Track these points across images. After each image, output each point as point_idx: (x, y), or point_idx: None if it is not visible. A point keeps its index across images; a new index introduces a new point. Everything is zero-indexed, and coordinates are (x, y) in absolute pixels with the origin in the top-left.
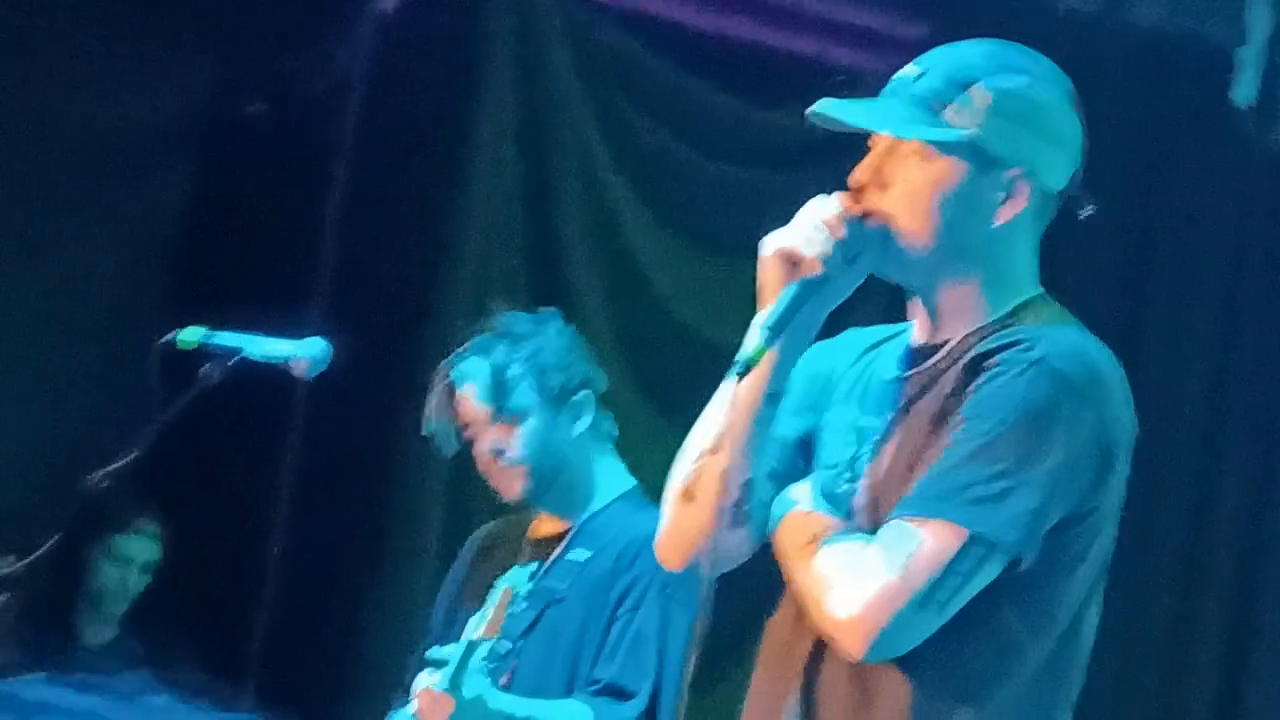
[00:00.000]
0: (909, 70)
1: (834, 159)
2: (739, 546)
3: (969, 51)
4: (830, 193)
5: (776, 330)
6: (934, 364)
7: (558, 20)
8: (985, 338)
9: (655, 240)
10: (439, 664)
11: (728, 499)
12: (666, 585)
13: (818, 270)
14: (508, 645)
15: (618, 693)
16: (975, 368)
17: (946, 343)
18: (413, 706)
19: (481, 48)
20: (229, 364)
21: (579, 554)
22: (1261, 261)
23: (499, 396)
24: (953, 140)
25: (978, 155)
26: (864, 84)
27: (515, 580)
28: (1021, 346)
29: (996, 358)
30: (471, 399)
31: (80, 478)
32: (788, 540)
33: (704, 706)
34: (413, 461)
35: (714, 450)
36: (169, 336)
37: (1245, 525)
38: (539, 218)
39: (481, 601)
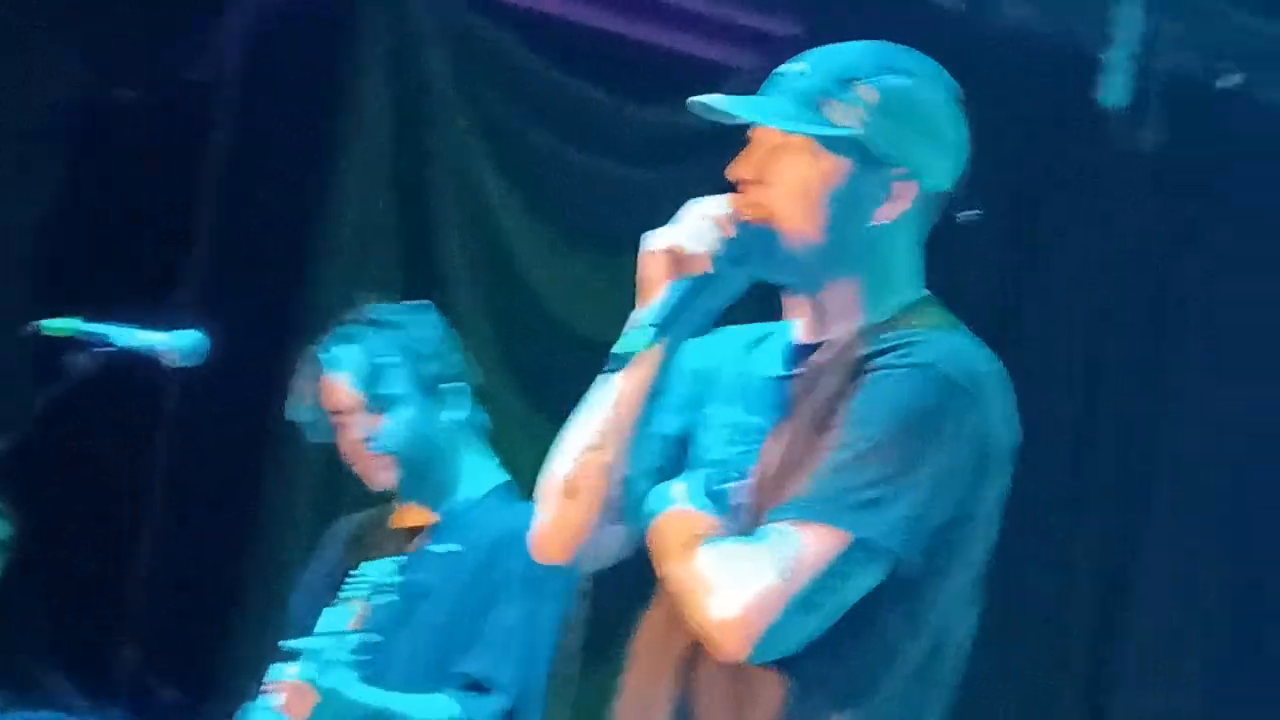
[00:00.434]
0: (793, 67)
1: (708, 155)
2: (617, 543)
3: (854, 50)
4: (705, 188)
5: (662, 327)
6: (817, 364)
7: (433, 13)
8: (869, 339)
9: (529, 234)
10: (301, 655)
11: (607, 495)
12: (535, 579)
13: (706, 268)
14: (374, 638)
15: (484, 686)
16: (859, 370)
17: (829, 343)
18: (276, 698)
19: (357, 38)
20: (99, 353)
21: (447, 546)
22: (1130, 262)
23: (371, 384)
24: (839, 137)
25: (862, 154)
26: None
27: (379, 569)
28: (905, 350)
29: (880, 361)
30: (343, 386)
31: None
32: (667, 539)
33: (576, 699)
34: (284, 452)
35: (591, 446)
36: (38, 325)
37: (1116, 527)
38: (413, 210)
39: (344, 592)
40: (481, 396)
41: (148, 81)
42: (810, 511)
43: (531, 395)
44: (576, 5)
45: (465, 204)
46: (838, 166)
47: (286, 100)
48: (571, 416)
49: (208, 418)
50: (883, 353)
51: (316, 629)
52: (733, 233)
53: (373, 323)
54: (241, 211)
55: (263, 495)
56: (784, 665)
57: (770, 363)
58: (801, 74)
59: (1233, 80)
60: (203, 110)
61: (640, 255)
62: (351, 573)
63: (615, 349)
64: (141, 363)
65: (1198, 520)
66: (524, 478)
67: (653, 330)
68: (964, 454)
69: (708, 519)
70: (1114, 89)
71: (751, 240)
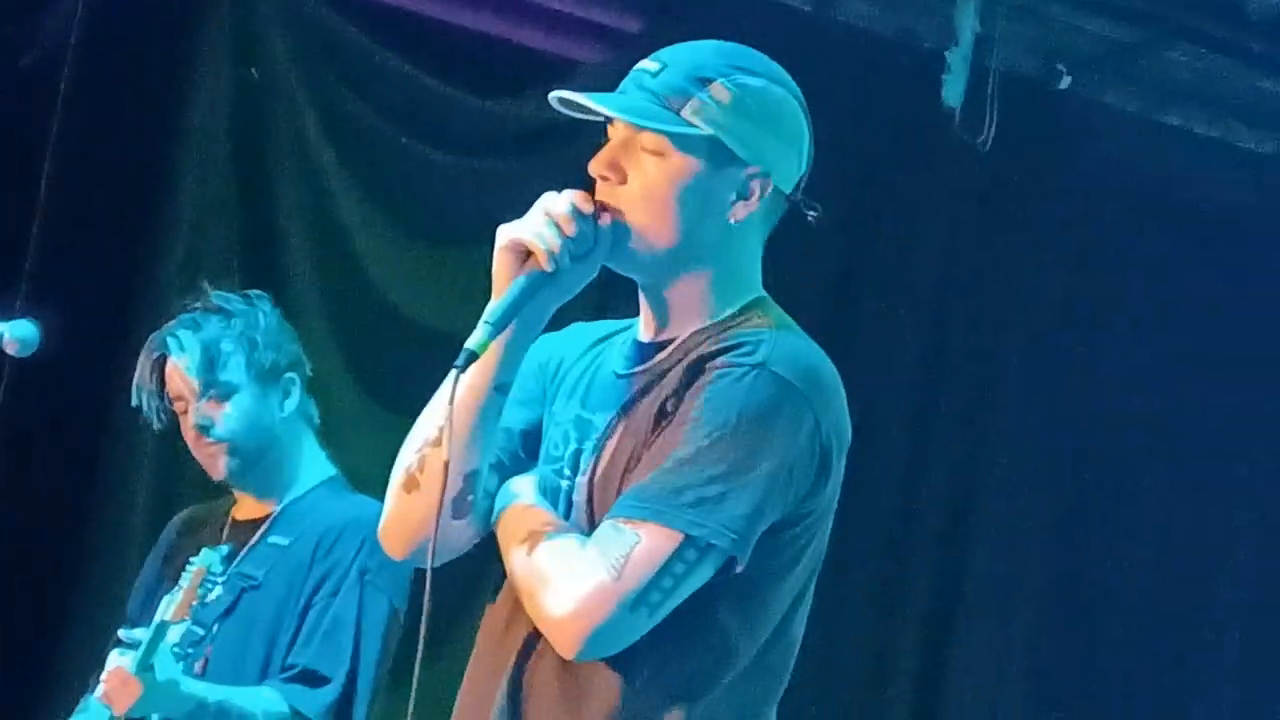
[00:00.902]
0: (647, 65)
1: (551, 148)
2: (462, 537)
3: (707, 50)
4: (547, 181)
5: (500, 324)
6: (658, 362)
7: (276, 2)
8: (709, 339)
9: (369, 225)
10: (131, 645)
11: (451, 490)
12: (365, 571)
13: (546, 265)
14: (201, 631)
15: (312, 678)
16: (698, 369)
17: (671, 341)
18: (101, 688)
19: (197, 26)
20: None
21: (278, 539)
22: (970, 262)
23: (209, 370)
24: (695, 136)
25: (716, 153)
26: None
27: (207, 561)
28: (744, 350)
29: (719, 360)
30: (181, 372)
31: None
32: (507, 534)
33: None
34: (121, 442)
35: (437, 440)
36: None
37: (946, 525)
38: (253, 201)
39: (178, 582)
40: (318, 387)
41: None
42: (643, 510)
43: (370, 387)
44: None
45: (305, 193)
46: (690, 164)
47: (126, 87)
48: (419, 410)
49: (45, 406)
50: (720, 353)
51: (152, 619)
52: (573, 230)
53: (212, 310)
54: (79, 199)
55: (102, 483)
56: (619, 661)
57: (615, 360)
58: (656, 72)
59: (1066, 81)
60: (40, 97)
61: (494, 251)
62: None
63: (465, 345)
64: None
65: (1031, 517)
66: (359, 470)
67: (489, 327)
68: (800, 454)
69: (546, 515)
70: (953, 88)
71: (595, 237)
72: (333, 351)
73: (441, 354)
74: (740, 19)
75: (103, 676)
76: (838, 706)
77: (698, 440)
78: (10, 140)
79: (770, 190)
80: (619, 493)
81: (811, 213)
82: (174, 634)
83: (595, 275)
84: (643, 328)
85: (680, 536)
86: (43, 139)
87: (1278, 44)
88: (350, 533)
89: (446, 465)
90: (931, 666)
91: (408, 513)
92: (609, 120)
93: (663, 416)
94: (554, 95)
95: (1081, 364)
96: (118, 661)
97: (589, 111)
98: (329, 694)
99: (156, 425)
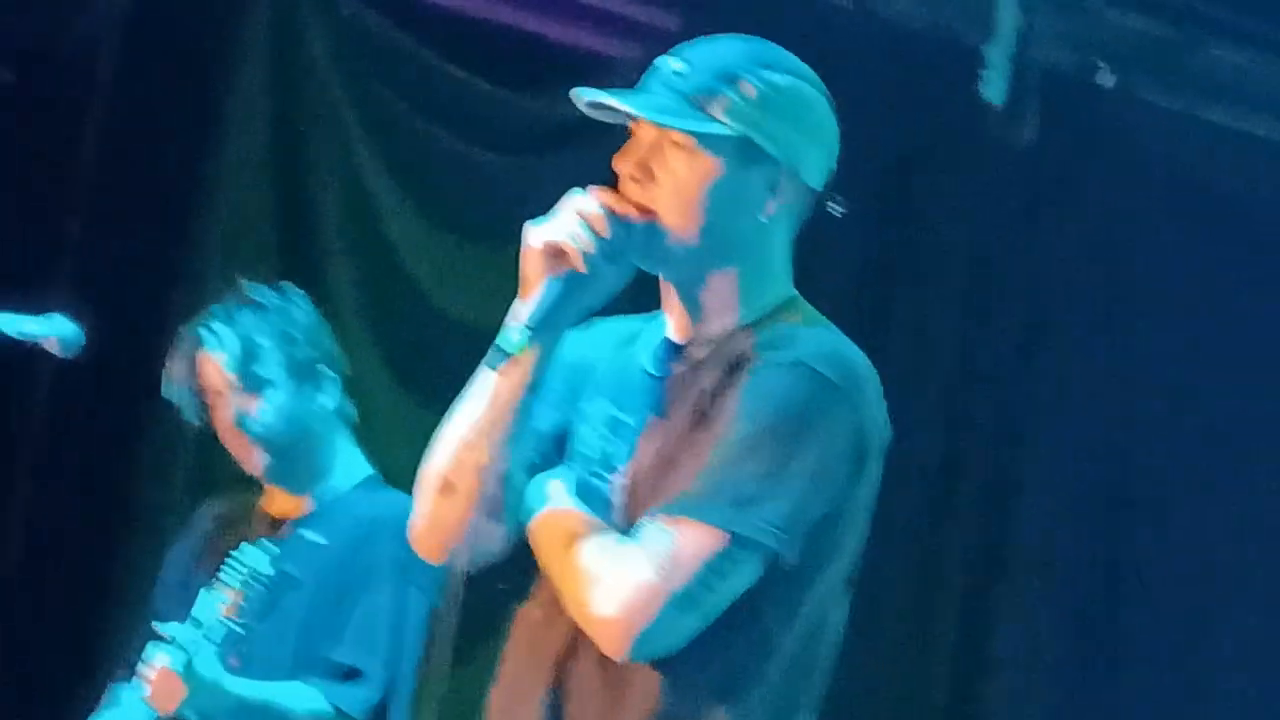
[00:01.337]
0: (673, 64)
1: (587, 145)
2: (495, 539)
3: (733, 47)
4: (583, 177)
5: (538, 327)
6: (692, 361)
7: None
8: (744, 338)
9: (410, 224)
10: (171, 641)
11: (486, 493)
12: (403, 567)
13: (581, 267)
14: (238, 626)
15: (350, 673)
16: (735, 367)
17: (705, 340)
18: (144, 685)
19: (236, 22)
20: None
21: (314, 536)
22: (1010, 259)
23: (245, 364)
24: (722, 134)
25: (745, 150)
26: (616, 71)
27: (255, 560)
28: (780, 348)
29: (756, 358)
30: (217, 365)
31: None
32: (546, 536)
33: (450, 689)
34: (159, 437)
35: (470, 442)
36: None
37: (983, 522)
38: (291, 197)
39: (214, 575)
40: (355, 384)
41: (20, 62)
42: (688, 509)
43: (407, 383)
44: None
45: (343, 190)
46: (718, 163)
47: (164, 82)
48: (450, 408)
49: (84, 403)
50: (757, 351)
51: (191, 615)
52: (606, 229)
53: (248, 303)
54: (119, 197)
55: (140, 478)
56: (660, 660)
57: (647, 359)
58: (682, 70)
59: (1108, 78)
60: (78, 92)
61: (522, 250)
62: (227, 557)
63: (495, 344)
64: (17, 349)
65: (1069, 514)
66: (397, 466)
67: (528, 331)
68: (838, 450)
69: (585, 516)
70: (993, 85)
71: (628, 236)
72: (370, 348)
73: (479, 349)
74: (780, 15)
75: (145, 674)
76: (878, 696)
77: (738, 438)
78: (50, 138)
79: (799, 187)
80: (657, 491)
81: (837, 209)
82: (215, 631)
83: (629, 277)
84: (674, 327)
85: (725, 535)
86: (82, 137)
87: None
88: (385, 529)
89: (479, 468)
90: (969, 665)
91: (442, 515)
92: (633, 118)
93: (700, 416)
94: (576, 92)
95: (1121, 362)
96: (160, 660)
97: (613, 111)
98: (370, 691)
99: (191, 419)
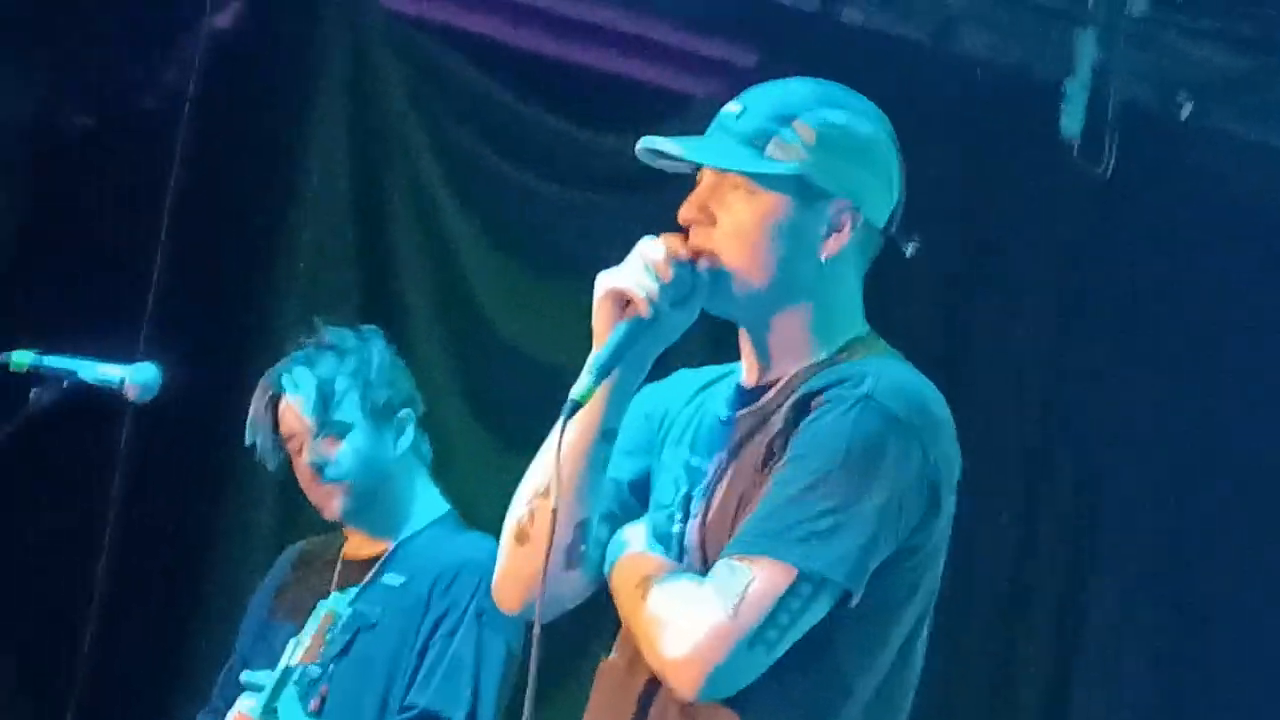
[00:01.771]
0: (731, 107)
1: (667, 183)
2: (575, 588)
3: (789, 88)
4: (664, 217)
5: (604, 371)
6: (763, 404)
7: (392, 41)
8: (813, 375)
9: (487, 262)
10: (255, 688)
11: (561, 541)
12: (482, 612)
13: (645, 312)
14: (318, 670)
15: (433, 718)
16: (804, 405)
17: (775, 382)
18: None
19: (316, 66)
20: (61, 387)
21: (393, 578)
22: (1089, 293)
23: (324, 409)
24: (779, 174)
25: (803, 189)
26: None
27: (335, 605)
28: (849, 383)
29: (825, 395)
30: (296, 410)
31: None
32: (621, 581)
33: None
34: (240, 482)
35: (546, 492)
36: (0, 358)
37: (1066, 557)
38: (371, 238)
39: (295, 620)
40: (434, 423)
41: (104, 110)
42: (756, 546)
43: (486, 421)
44: (535, 34)
45: (422, 231)
46: (778, 202)
47: (245, 128)
48: (536, 444)
49: (165, 446)
50: (826, 388)
51: (267, 654)
52: (670, 276)
53: (325, 347)
54: (199, 242)
55: (220, 520)
56: (735, 701)
57: (719, 404)
58: (739, 113)
59: (1186, 110)
60: (160, 138)
61: (594, 301)
62: (302, 600)
63: (570, 395)
64: (100, 395)
65: (1153, 553)
66: (477, 503)
67: (594, 375)
68: (909, 486)
69: (658, 560)
70: (1072, 119)
71: (692, 279)
72: (449, 387)
73: (557, 388)
74: (856, 51)
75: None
76: None
77: (807, 475)
78: (131, 185)
79: (861, 223)
80: (730, 535)
81: (909, 246)
82: (299, 676)
83: (694, 320)
84: (746, 371)
85: (794, 572)
86: (163, 183)
87: None
88: (466, 573)
89: (554, 514)
90: (1051, 711)
91: (519, 566)
92: (687, 163)
93: (770, 456)
94: (641, 144)
95: (1204, 398)
96: (242, 706)
97: (673, 159)
98: None
99: (270, 464)
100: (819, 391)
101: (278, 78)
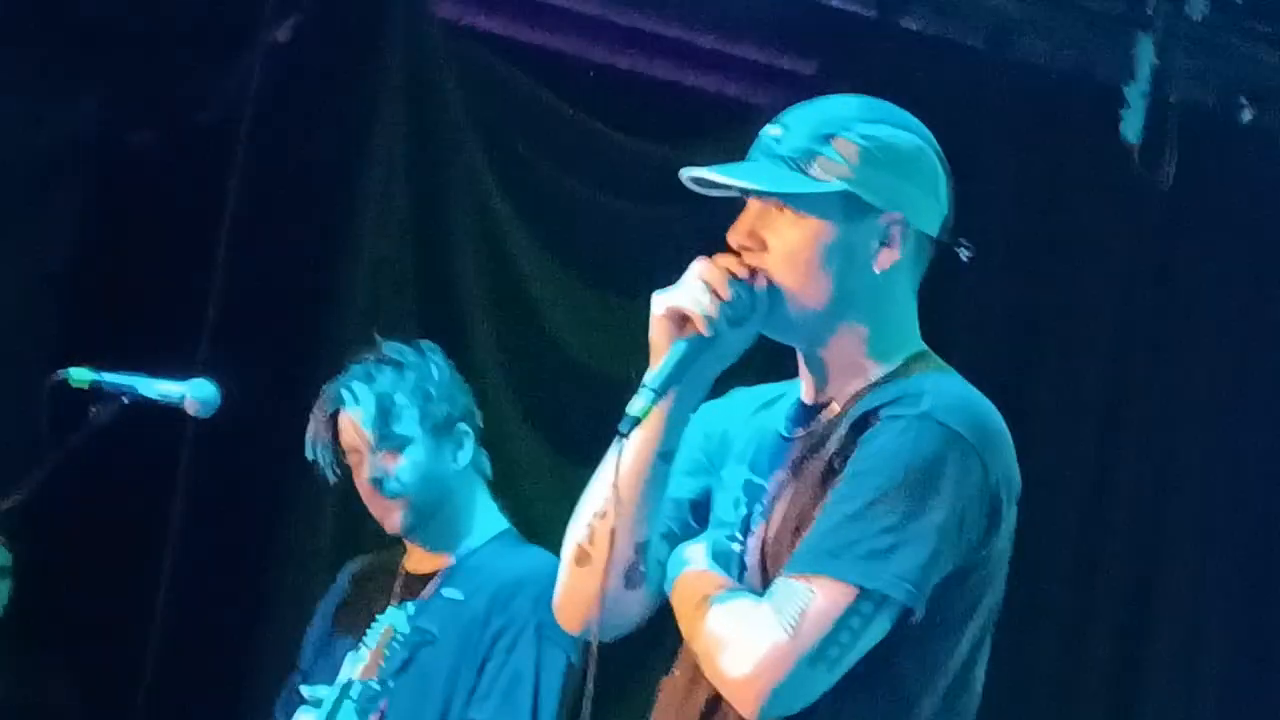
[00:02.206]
0: (771, 130)
1: (731, 196)
2: (636, 608)
3: (828, 105)
4: (724, 229)
5: (662, 390)
6: (822, 421)
7: (450, 55)
8: (871, 393)
9: (546, 275)
10: (315, 702)
11: (621, 561)
12: (542, 625)
13: (704, 329)
14: (378, 686)
15: None
16: (862, 423)
17: (834, 399)
18: None
19: (372, 80)
20: (121, 404)
21: (453, 593)
22: (1151, 297)
23: (384, 423)
24: (823, 192)
25: (850, 205)
26: (754, 119)
27: (395, 620)
28: (907, 401)
29: (883, 413)
30: (355, 424)
31: None
32: (681, 600)
33: None
34: (301, 497)
35: (605, 512)
36: (59, 375)
37: (1133, 574)
38: (429, 252)
39: (355, 634)
40: (496, 437)
41: (163, 126)
42: (816, 564)
43: (548, 435)
44: (594, 45)
45: (481, 244)
46: (827, 222)
47: (303, 144)
48: (597, 458)
49: (226, 460)
50: (884, 405)
51: (327, 668)
52: (728, 294)
53: (385, 361)
54: (258, 257)
55: (281, 535)
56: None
57: (778, 423)
58: (779, 135)
59: (1248, 114)
60: (218, 153)
61: (650, 319)
62: (369, 615)
63: (625, 412)
64: (160, 412)
65: (1214, 564)
66: (538, 519)
67: (651, 394)
68: (969, 503)
69: (719, 578)
70: (1131, 124)
71: (750, 299)
72: (510, 401)
73: (618, 401)
74: (914, 59)
75: None
76: None
77: (867, 493)
78: (190, 199)
79: (912, 235)
80: (790, 552)
81: (965, 252)
82: (358, 691)
83: (752, 342)
84: (805, 390)
85: (855, 590)
86: (221, 198)
87: None
88: (526, 587)
89: (613, 533)
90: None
91: (580, 587)
92: (727, 189)
93: (830, 474)
94: (683, 173)
95: (1270, 407)
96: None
97: (718, 185)
98: None
99: (331, 478)
100: (877, 409)
101: (335, 91)
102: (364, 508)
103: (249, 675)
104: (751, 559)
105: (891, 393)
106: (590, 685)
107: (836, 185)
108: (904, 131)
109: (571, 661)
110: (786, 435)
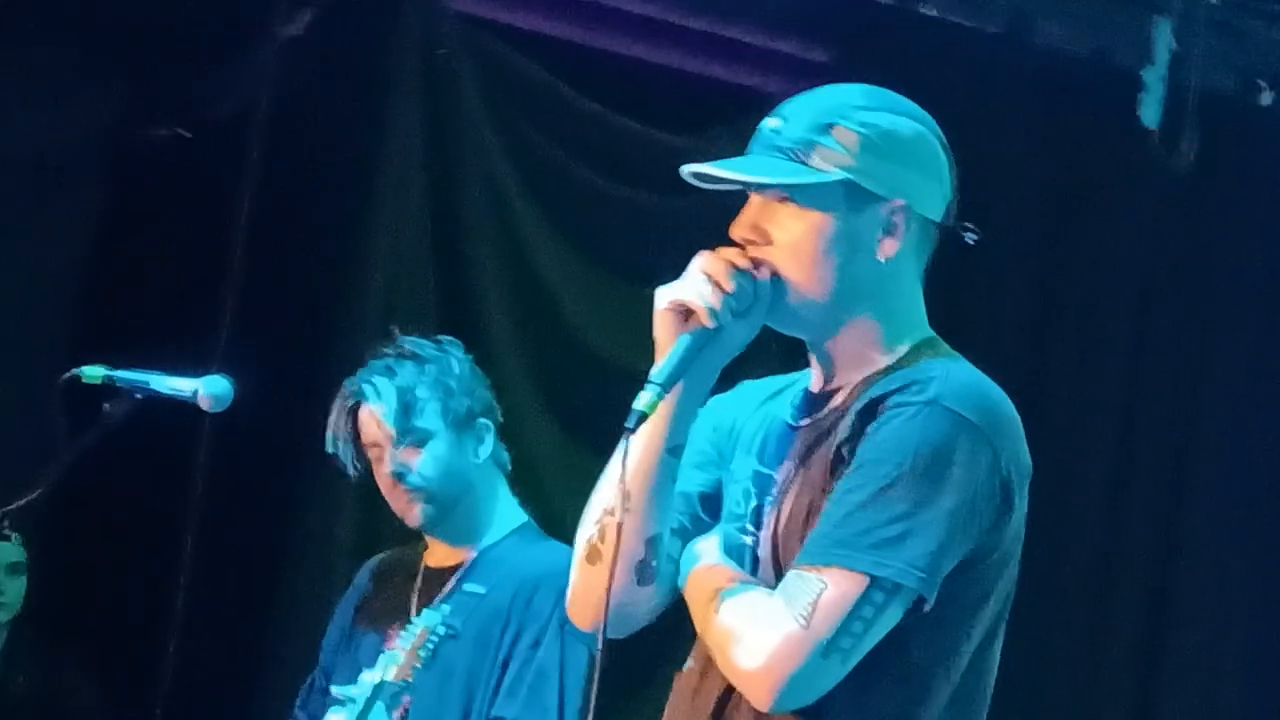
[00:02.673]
0: (770, 122)
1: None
2: (648, 603)
3: (826, 95)
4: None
5: (667, 384)
6: (829, 410)
7: (465, 47)
8: (879, 380)
9: (563, 266)
10: (347, 699)
11: (632, 557)
12: (566, 623)
13: (708, 322)
14: (402, 681)
15: None
16: (870, 411)
17: (842, 388)
18: None
19: (389, 74)
20: (134, 400)
21: (474, 587)
22: (1170, 283)
23: (405, 417)
24: (824, 182)
25: (852, 194)
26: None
27: (430, 621)
28: (915, 388)
29: (891, 400)
30: (377, 418)
31: None
32: (694, 594)
33: None
34: (320, 491)
35: (614, 507)
36: (73, 372)
37: (1153, 566)
38: (446, 245)
39: (377, 629)
40: (516, 430)
41: (179, 120)
42: (826, 555)
43: (569, 427)
44: (610, 35)
45: (500, 238)
46: (828, 213)
47: (319, 137)
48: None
49: (244, 456)
50: (891, 393)
51: (350, 664)
52: (731, 286)
53: (405, 356)
54: (274, 251)
55: (301, 533)
56: (816, 711)
57: (786, 413)
58: (778, 127)
59: (1268, 97)
60: (234, 149)
61: (654, 314)
62: (385, 610)
63: (632, 407)
64: (178, 408)
65: (1240, 542)
66: (559, 512)
67: (657, 389)
68: (978, 488)
69: (730, 572)
70: (1150, 109)
71: (754, 290)
72: (530, 393)
73: (636, 393)
74: (930, 44)
75: None
76: None
77: (876, 482)
78: (205, 195)
79: (916, 221)
80: (802, 543)
81: (970, 236)
82: (389, 691)
83: (756, 333)
84: (813, 380)
85: (866, 579)
86: (238, 193)
87: None
88: (547, 584)
89: (620, 529)
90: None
91: (592, 585)
92: (727, 182)
93: (839, 463)
94: (684, 169)
95: None
96: (334, 716)
97: (719, 180)
98: None
99: (351, 472)
100: (885, 396)
101: (350, 86)
102: (381, 503)
103: (267, 670)
104: (764, 550)
105: (899, 380)
106: (597, 681)
107: (837, 174)
108: (904, 118)
109: (593, 654)
110: (793, 424)
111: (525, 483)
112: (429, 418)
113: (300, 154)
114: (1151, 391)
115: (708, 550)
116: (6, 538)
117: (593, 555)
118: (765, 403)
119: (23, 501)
